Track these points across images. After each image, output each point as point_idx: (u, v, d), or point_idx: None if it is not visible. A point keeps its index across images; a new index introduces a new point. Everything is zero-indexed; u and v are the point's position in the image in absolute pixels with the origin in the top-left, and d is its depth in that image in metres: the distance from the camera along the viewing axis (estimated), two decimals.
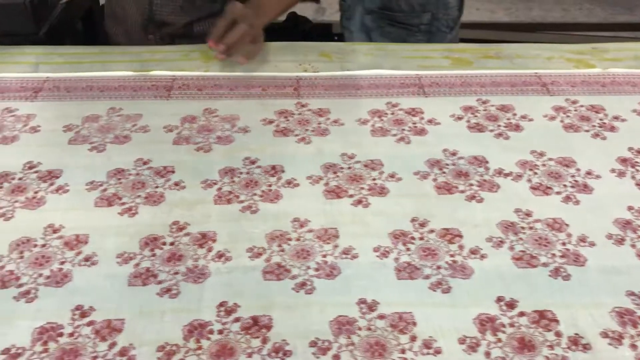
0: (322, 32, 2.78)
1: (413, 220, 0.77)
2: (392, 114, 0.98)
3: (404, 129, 0.93)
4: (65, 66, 1.08)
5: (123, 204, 0.78)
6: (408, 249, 0.73)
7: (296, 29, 2.85)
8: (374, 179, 0.84)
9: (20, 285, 0.67)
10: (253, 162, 0.85)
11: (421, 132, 0.90)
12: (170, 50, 1.13)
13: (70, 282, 0.67)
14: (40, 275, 0.68)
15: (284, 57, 1.11)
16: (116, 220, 0.76)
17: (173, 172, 0.83)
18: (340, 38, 1.57)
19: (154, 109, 0.96)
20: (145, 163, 0.85)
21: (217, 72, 1.06)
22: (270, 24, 2.09)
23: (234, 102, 0.98)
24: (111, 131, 0.90)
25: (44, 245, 0.73)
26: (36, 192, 0.81)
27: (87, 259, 0.71)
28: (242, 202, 0.79)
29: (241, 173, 0.81)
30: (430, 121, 0.93)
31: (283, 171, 0.85)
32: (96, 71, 1.05)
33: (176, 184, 0.82)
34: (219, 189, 0.80)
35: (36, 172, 0.83)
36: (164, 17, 1.13)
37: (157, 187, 0.80)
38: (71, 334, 0.61)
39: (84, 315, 0.64)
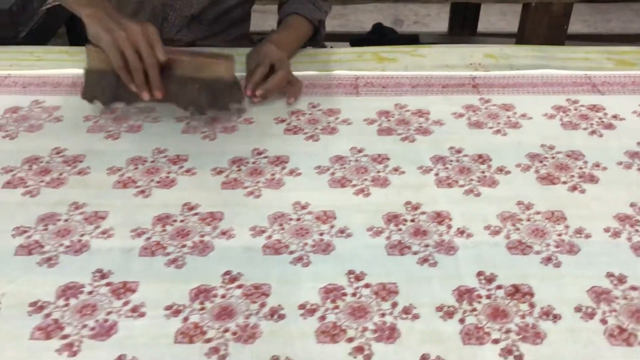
0: (409, 43, 2.86)
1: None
2: (575, 109, 1.02)
3: (592, 123, 1.01)
4: None
5: (354, 185, 0.83)
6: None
7: (383, 40, 2.95)
8: (581, 168, 0.87)
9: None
10: (459, 152, 0.93)
11: (609, 126, 0.94)
12: (349, 52, 1.19)
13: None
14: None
15: (452, 58, 1.17)
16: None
17: (388, 158, 0.89)
18: None
19: (350, 105, 1.02)
20: (360, 151, 0.91)
21: (393, 72, 1.12)
22: (356, 36, 2.17)
23: (421, 98, 1.05)
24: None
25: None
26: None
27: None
28: (462, 186, 0.84)
29: (451, 161, 0.86)
30: (614, 117, 0.99)
31: (490, 159, 0.90)
32: None
33: (395, 169, 0.87)
34: (436, 174, 0.86)
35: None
36: (171, 35, 1.18)
37: (378, 172, 0.86)
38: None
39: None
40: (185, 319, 0.65)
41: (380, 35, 3.11)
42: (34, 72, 1.12)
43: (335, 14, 4.36)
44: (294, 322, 0.64)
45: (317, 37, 1.24)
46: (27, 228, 0.77)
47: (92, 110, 1.00)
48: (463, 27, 3.21)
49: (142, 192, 0.83)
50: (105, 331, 0.63)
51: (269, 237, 0.76)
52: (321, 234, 0.76)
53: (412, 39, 3.10)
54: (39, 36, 1.42)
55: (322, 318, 0.65)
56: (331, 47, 1.39)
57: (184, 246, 0.74)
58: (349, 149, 0.92)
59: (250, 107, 1.02)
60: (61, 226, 0.77)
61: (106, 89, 0.93)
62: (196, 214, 0.79)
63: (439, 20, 4.41)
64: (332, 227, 0.77)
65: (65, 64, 1.16)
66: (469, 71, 1.14)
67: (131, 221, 0.78)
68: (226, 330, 0.63)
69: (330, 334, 0.63)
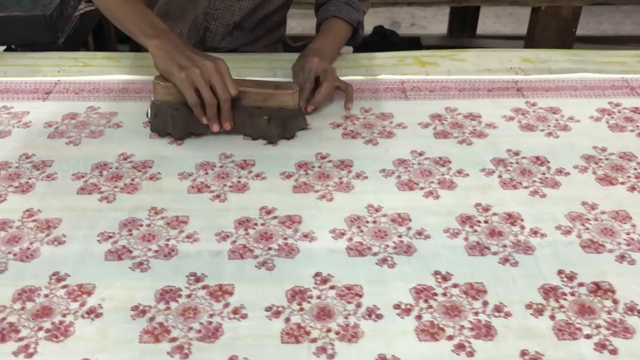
0: (411, 45, 2.90)
1: None
2: (619, 112, 1.04)
3: (638, 125, 1.00)
4: None
5: (422, 188, 0.85)
6: None
7: (385, 41, 2.97)
8: (635, 169, 0.90)
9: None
10: (517, 154, 0.93)
11: None
12: (391, 56, 1.21)
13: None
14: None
15: (492, 62, 1.19)
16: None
17: (450, 161, 0.91)
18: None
19: (401, 109, 1.04)
20: (420, 154, 0.93)
21: (438, 76, 1.15)
22: None
23: (469, 102, 1.07)
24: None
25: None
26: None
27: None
28: (526, 187, 0.86)
29: (511, 163, 0.88)
30: None
31: (548, 161, 0.92)
32: None
33: (459, 171, 0.89)
34: (499, 176, 0.88)
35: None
36: (215, 44, 1.20)
37: (443, 174, 0.88)
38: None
39: None
40: (287, 320, 0.66)
41: (382, 37, 3.14)
42: (84, 78, 1.13)
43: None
44: (392, 321, 0.67)
45: (356, 38, 1.26)
46: (111, 233, 0.78)
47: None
48: (462, 30, 3.25)
49: (218, 196, 0.85)
50: (211, 333, 0.65)
51: (350, 239, 0.78)
52: (400, 236, 0.78)
53: (414, 42, 3.14)
54: (74, 41, 1.43)
55: (419, 317, 0.67)
56: None
57: (270, 249, 0.76)
58: (410, 152, 0.94)
59: None
60: (145, 231, 0.78)
61: (177, 123, 0.95)
62: (275, 217, 0.81)
63: (435, 22, 4.45)
64: (409, 229, 0.79)
65: (112, 70, 1.17)
66: (510, 75, 1.17)
67: (213, 225, 0.79)
68: (329, 330, 0.65)
69: (429, 332, 0.65)
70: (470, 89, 1.12)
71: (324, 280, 0.71)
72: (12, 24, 1.28)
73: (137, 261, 0.74)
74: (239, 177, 0.88)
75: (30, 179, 0.87)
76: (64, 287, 0.70)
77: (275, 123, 0.96)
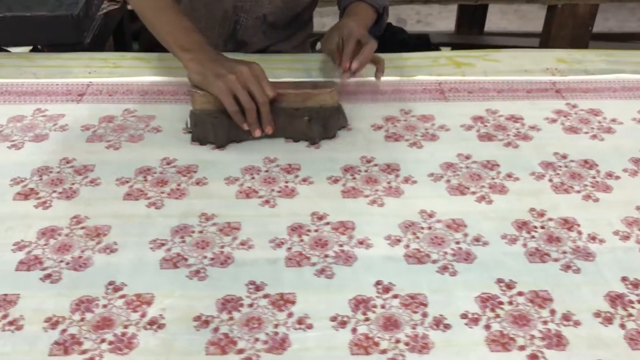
0: (419, 42, 2.89)
1: None
2: None
3: None
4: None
5: (474, 192, 0.84)
6: None
7: (393, 39, 2.95)
8: None
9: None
10: (564, 157, 0.92)
11: None
12: (425, 56, 1.20)
13: None
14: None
15: (527, 63, 1.17)
16: None
17: (498, 165, 0.90)
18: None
19: (441, 111, 1.03)
20: (467, 157, 0.92)
21: (475, 77, 1.14)
22: None
23: (509, 104, 1.05)
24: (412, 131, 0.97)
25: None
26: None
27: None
28: (578, 191, 0.85)
29: (560, 167, 0.88)
30: None
31: (597, 165, 0.91)
32: None
33: (509, 175, 0.88)
34: (550, 179, 0.87)
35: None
36: (245, 38, 1.18)
37: (492, 178, 0.87)
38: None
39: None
40: (354, 330, 0.65)
41: (391, 34, 3.12)
42: (116, 80, 1.11)
43: (336, 13, 4.38)
44: (461, 331, 0.65)
45: (380, 24, 1.25)
46: (163, 240, 0.76)
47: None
48: (470, 27, 3.24)
49: (267, 201, 0.83)
50: (279, 344, 0.63)
51: (407, 246, 0.76)
52: (457, 243, 0.77)
53: (423, 39, 3.12)
54: (100, 41, 1.41)
55: (487, 327, 0.66)
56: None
57: (326, 256, 0.75)
58: (456, 155, 0.93)
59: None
60: (198, 238, 0.77)
61: (219, 131, 0.93)
62: (327, 223, 0.80)
63: (441, 19, 4.44)
64: (465, 235, 0.78)
65: (143, 71, 1.15)
66: (547, 76, 1.16)
67: (266, 231, 0.78)
68: (398, 341, 0.64)
69: (500, 342, 0.64)
70: (509, 90, 1.10)
71: (386, 289, 0.70)
72: (37, 24, 1.26)
73: (194, 269, 0.72)
74: (286, 182, 0.87)
75: (73, 184, 0.85)
76: (122, 297, 0.68)
77: (316, 123, 0.95)
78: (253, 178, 0.88)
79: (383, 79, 1.08)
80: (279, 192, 0.85)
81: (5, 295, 0.68)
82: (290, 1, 1.23)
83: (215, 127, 0.93)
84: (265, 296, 0.69)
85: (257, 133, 0.92)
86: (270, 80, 0.93)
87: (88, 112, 1.02)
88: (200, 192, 0.85)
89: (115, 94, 1.07)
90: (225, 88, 0.90)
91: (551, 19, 2.27)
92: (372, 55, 1.04)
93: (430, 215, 0.81)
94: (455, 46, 3.05)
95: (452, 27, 3.53)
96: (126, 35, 1.74)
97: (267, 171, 0.89)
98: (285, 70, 1.15)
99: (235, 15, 1.22)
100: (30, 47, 1.40)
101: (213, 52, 0.97)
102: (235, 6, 1.21)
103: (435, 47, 2.98)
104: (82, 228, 0.78)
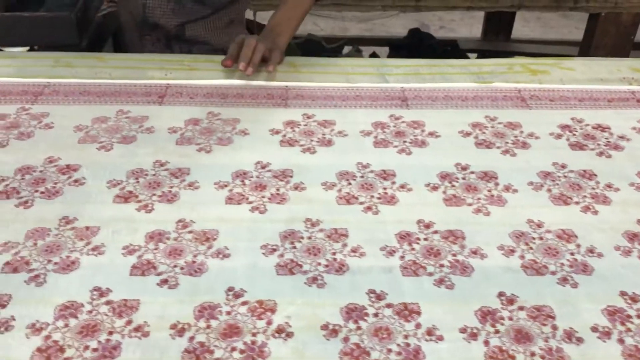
0: (447, 47, 2.88)
1: None
2: None
3: None
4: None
5: (577, 202, 0.84)
6: None
7: (421, 45, 2.95)
8: None
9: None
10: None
11: None
12: (496, 63, 1.18)
13: None
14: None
15: (602, 71, 1.16)
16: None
17: (595, 175, 0.89)
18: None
19: (527, 119, 1.01)
20: (563, 167, 0.90)
21: (552, 85, 1.12)
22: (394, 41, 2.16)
23: (593, 112, 1.04)
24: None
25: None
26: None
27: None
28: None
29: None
30: None
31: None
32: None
33: (608, 185, 0.87)
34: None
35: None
36: (156, 20, 1.18)
37: (593, 188, 0.85)
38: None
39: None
40: (486, 343, 0.64)
41: (418, 40, 3.12)
42: (194, 82, 1.10)
43: (360, 19, 4.36)
44: (595, 345, 0.64)
45: None
46: (274, 246, 0.75)
47: (277, 124, 0.99)
48: (497, 34, 3.23)
49: (369, 208, 0.82)
50: (413, 355, 0.62)
51: (522, 256, 0.75)
52: (572, 254, 0.76)
53: (452, 45, 3.11)
54: (98, 43, 1.39)
55: (621, 341, 0.65)
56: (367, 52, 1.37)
57: (442, 266, 0.74)
58: (551, 164, 0.92)
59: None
60: (308, 244, 0.76)
61: None
62: (435, 232, 0.78)
63: (464, 25, 4.44)
64: (578, 246, 0.77)
65: (215, 74, 1.14)
66: (624, 85, 1.15)
67: (374, 238, 0.77)
68: (533, 354, 0.63)
69: (636, 357, 0.63)
70: (590, 99, 1.09)
71: (510, 301, 0.69)
72: (36, 24, 1.25)
73: (310, 276, 0.71)
74: (385, 189, 0.86)
75: (172, 187, 0.84)
76: (244, 303, 0.67)
77: None
78: (350, 184, 0.86)
79: (458, 84, 1.07)
80: (379, 198, 0.84)
81: (125, 300, 0.67)
82: None
83: None
84: (389, 305, 0.68)
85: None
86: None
87: (171, 114, 1.01)
88: (300, 197, 0.83)
89: (196, 96, 1.06)
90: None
91: (593, 27, 2.26)
92: (266, 51, 1.10)
93: (539, 225, 0.80)
94: (483, 53, 3.04)
95: (476, 33, 3.52)
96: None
97: (362, 177, 0.88)
98: (359, 75, 1.13)
99: None
100: (27, 48, 1.37)
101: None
102: None
103: (463, 53, 2.97)
104: (190, 232, 0.76)
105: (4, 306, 0.65)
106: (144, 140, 0.94)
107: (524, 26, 4.42)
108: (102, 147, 0.92)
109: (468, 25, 4.43)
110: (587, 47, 2.30)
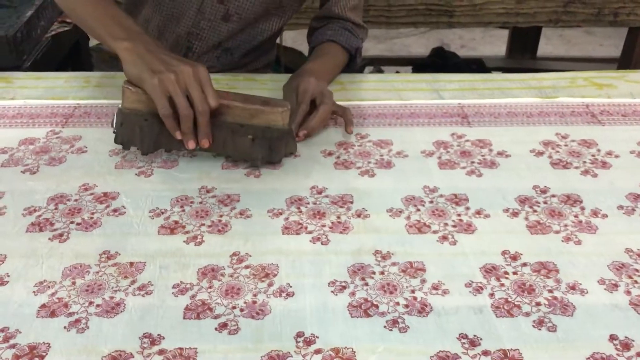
0: (472, 66, 2.80)
1: None
2: None
3: None
4: None
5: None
6: None
7: (446, 64, 2.88)
8: None
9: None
10: None
11: None
12: (557, 77, 1.10)
13: None
14: None
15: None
16: None
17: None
18: None
19: (602, 136, 0.93)
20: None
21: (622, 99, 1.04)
22: (417, 60, 2.06)
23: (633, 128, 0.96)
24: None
25: None
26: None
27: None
28: None
29: None
30: None
31: None
32: None
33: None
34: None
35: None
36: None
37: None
38: None
39: None
40: None
41: (443, 59, 3.05)
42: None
43: (380, 38, 4.31)
44: None
45: (352, 66, 1.14)
46: (343, 282, 0.66)
47: (329, 145, 0.90)
48: (523, 51, 3.16)
49: (444, 237, 0.73)
50: None
51: (628, 292, 0.66)
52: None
53: (477, 63, 3.03)
54: (44, 64, 1.30)
55: None
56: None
57: (538, 304, 0.64)
58: (639, 185, 0.82)
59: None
60: (381, 280, 0.67)
61: (146, 135, 0.82)
62: (524, 264, 0.69)
63: (484, 43, 4.37)
64: None
65: None
66: None
67: (456, 273, 0.68)
68: None
69: None
70: None
71: (625, 345, 0.59)
72: None
73: (390, 318, 0.62)
74: (459, 215, 0.77)
75: (221, 216, 0.76)
76: (317, 351, 0.58)
77: (261, 144, 0.83)
78: (419, 210, 0.77)
79: (522, 99, 0.98)
80: (454, 226, 0.75)
81: (181, 349, 0.57)
82: (251, 32, 1.13)
83: (143, 131, 0.82)
84: (485, 353, 0.58)
85: (191, 145, 0.80)
86: (218, 90, 0.81)
87: None
88: (364, 226, 0.74)
89: None
90: (160, 87, 0.77)
91: (633, 43, 2.17)
92: (334, 110, 0.94)
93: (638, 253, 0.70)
94: (509, 71, 2.96)
95: (498, 51, 3.44)
96: (83, 57, 1.63)
97: (431, 202, 0.79)
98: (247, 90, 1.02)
99: (188, 42, 1.12)
100: None
101: (152, 43, 0.84)
102: (189, 32, 1.11)
103: (489, 71, 2.89)
104: (247, 267, 0.67)
105: (42, 357, 0.56)
106: (186, 163, 0.86)
107: (546, 44, 4.35)
108: (142, 173, 0.84)
109: (489, 44, 4.37)
110: (626, 62, 2.21)
